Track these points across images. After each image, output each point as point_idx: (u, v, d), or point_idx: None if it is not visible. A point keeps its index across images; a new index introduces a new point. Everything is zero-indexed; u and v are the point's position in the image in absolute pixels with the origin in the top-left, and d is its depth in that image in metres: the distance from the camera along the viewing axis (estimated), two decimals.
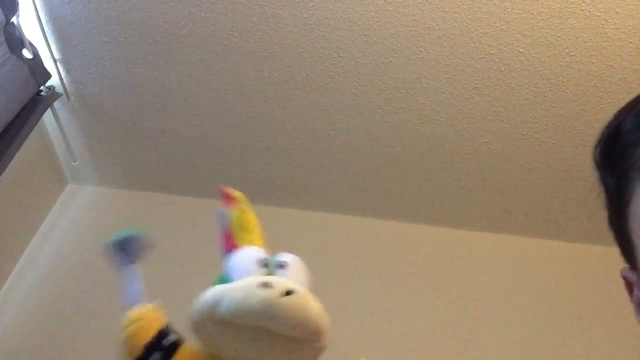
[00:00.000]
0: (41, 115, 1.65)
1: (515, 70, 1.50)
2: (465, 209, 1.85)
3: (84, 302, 1.62)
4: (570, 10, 1.37)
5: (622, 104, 0.47)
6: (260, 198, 1.90)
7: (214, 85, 1.64)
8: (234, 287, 0.62)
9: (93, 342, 1.53)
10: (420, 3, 1.40)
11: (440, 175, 1.78)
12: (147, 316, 0.74)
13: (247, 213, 0.78)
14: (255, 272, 0.67)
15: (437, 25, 1.43)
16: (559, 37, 1.42)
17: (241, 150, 1.80)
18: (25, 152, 1.63)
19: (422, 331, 1.61)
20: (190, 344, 0.77)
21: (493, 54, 1.47)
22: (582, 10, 1.37)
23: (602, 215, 0.52)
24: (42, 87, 1.63)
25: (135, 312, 0.76)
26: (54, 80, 1.67)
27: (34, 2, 1.50)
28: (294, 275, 0.69)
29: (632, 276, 0.49)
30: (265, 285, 0.59)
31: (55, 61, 1.63)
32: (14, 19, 1.46)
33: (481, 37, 1.44)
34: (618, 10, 1.36)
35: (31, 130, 1.58)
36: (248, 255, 0.72)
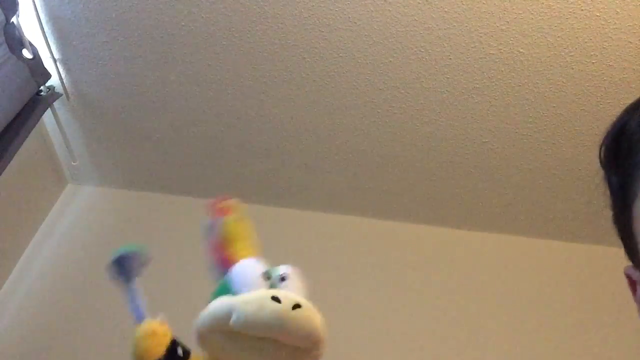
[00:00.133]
0: (41, 115, 1.65)
1: (515, 70, 1.50)
2: (465, 209, 1.85)
3: (84, 302, 1.62)
4: (570, 10, 1.37)
5: (622, 103, 0.47)
6: (260, 198, 1.92)
7: (214, 85, 1.64)
8: (245, 300, 0.65)
9: (93, 342, 1.53)
10: (420, 3, 1.40)
11: (440, 175, 1.78)
12: (157, 331, 0.76)
13: (243, 221, 0.79)
14: (261, 285, 0.71)
15: (437, 25, 1.43)
16: (559, 37, 1.42)
17: (241, 150, 1.80)
18: (25, 152, 1.63)
19: (422, 331, 1.61)
20: (196, 354, 0.79)
21: (493, 54, 1.47)
22: (582, 10, 1.37)
23: (603, 214, 0.52)
24: (42, 87, 1.63)
25: (145, 327, 0.77)
26: (54, 80, 1.67)
27: (34, 2, 1.50)
28: (294, 286, 0.73)
29: (636, 274, 0.49)
30: (276, 298, 0.63)
31: (55, 61, 1.63)
32: (14, 19, 1.46)
33: (481, 37, 1.44)
34: (618, 10, 1.36)
35: (31, 130, 1.58)
36: (251, 268, 0.74)
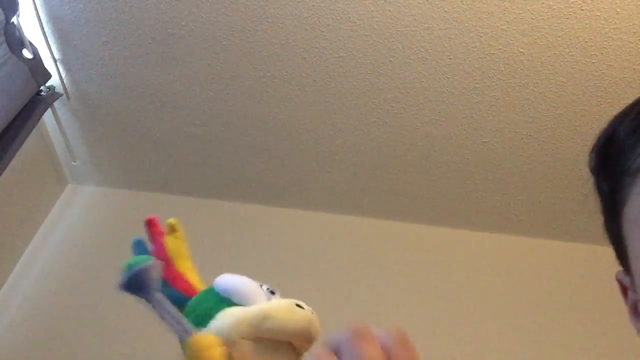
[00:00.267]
0: (41, 115, 1.65)
1: (515, 70, 1.50)
2: (465, 209, 1.85)
3: (84, 302, 1.62)
4: (570, 10, 1.37)
5: (622, 104, 0.48)
6: (260, 198, 1.92)
7: (214, 85, 1.64)
8: (275, 307, 0.71)
9: (93, 341, 1.53)
10: (420, 3, 1.40)
11: (440, 175, 1.78)
12: (213, 344, 0.77)
13: (182, 240, 0.81)
14: (265, 296, 0.76)
15: (437, 25, 1.43)
16: (559, 37, 1.42)
17: (241, 150, 1.80)
18: (25, 152, 1.63)
19: (422, 331, 1.61)
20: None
21: (493, 54, 1.47)
22: (582, 10, 1.37)
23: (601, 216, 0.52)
24: (42, 87, 1.63)
25: (202, 341, 0.78)
26: (54, 80, 1.67)
27: (34, 2, 1.50)
28: (279, 299, 0.79)
29: (626, 279, 0.49)
30: (299, 305, 0.69)
31: (55, 61, 1.63)
32: (14, 19, 1.46)
33: (481, 37, 1.44)
34: (618, 10, 1.36)
35: (31, 130, 1.58)
36: (248, 281, 0.78)
